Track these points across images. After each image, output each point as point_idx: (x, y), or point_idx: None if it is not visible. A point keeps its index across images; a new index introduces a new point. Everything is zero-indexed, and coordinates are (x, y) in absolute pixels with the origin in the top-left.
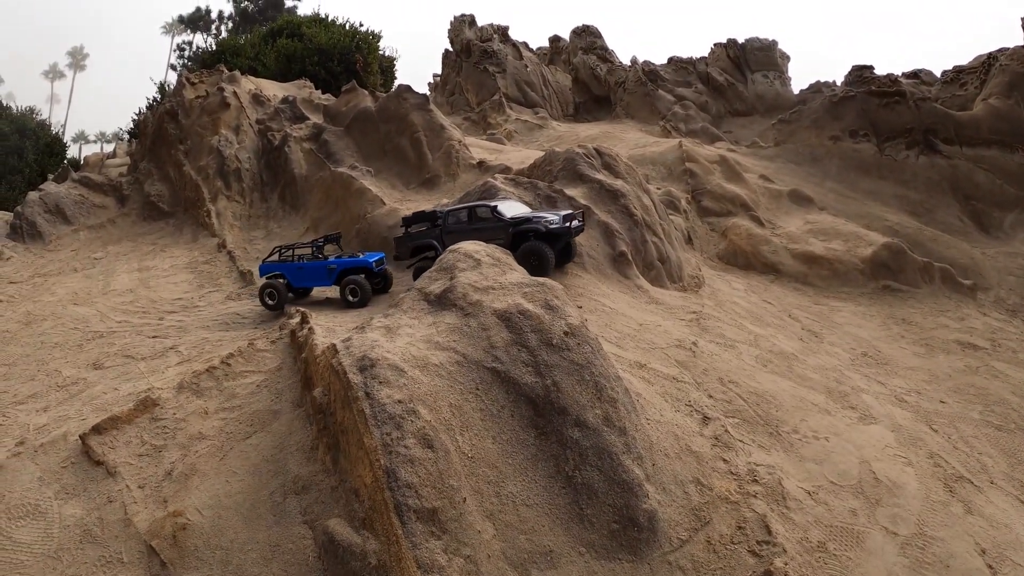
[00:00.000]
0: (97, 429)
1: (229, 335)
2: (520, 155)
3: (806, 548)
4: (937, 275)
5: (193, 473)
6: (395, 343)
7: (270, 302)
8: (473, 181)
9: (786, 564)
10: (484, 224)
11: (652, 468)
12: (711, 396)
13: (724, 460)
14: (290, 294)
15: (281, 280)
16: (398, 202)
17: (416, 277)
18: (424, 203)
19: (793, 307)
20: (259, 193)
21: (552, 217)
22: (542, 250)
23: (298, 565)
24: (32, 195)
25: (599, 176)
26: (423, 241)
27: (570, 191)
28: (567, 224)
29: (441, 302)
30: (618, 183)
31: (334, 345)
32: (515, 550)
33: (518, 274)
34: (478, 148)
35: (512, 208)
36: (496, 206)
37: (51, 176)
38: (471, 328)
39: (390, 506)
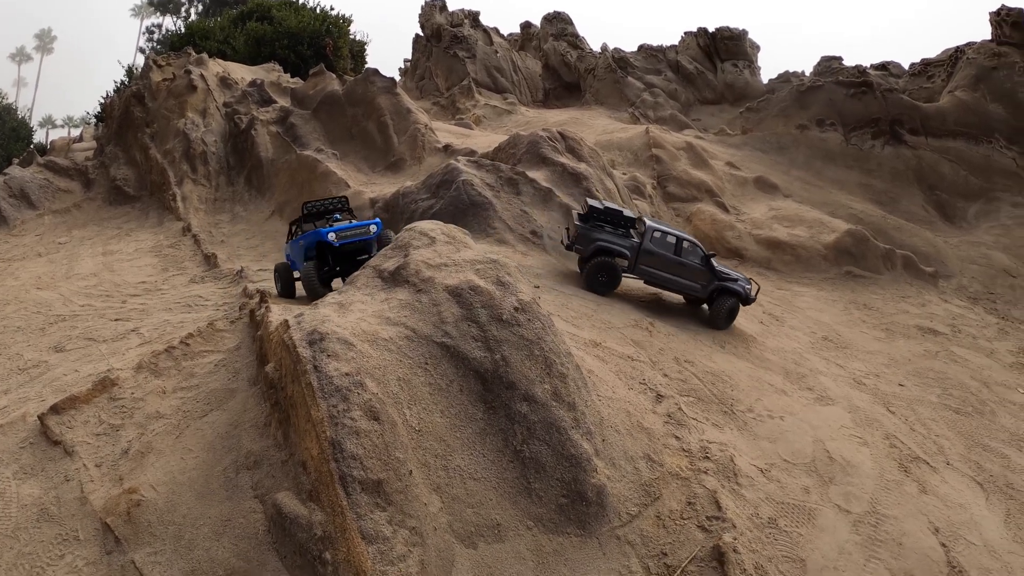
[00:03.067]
0: (55, 409)
1: (191, 317)
2: (487, 139)
3: (756, 524)
4: (899, 262)
5: (149, 451)
6: (346, 318)
7: (277, 287)
8: (438, 164)
9: (735, 539)
10: (689, 260)
11: (602, 443)
12: (666, 375)
13: (676, 437)
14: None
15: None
16: (363, 185)
17: (589, 282)
18: (389, 186)
19: None
20: (225, 176)
21: (748, 286)
22: (737, 310)
23: (248, 539)
24: None
25: (562, 159)
26: (615, 247)
27: (532, 173)
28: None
29: (394, 279)
30: (581, 166)
31: (286, 321)
32: (462, 523)
33: (472, 251)
34: (446, 132)
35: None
36: (713, 255)
37: (16, 160)
38: (422, 304)
39: (335, 477)
